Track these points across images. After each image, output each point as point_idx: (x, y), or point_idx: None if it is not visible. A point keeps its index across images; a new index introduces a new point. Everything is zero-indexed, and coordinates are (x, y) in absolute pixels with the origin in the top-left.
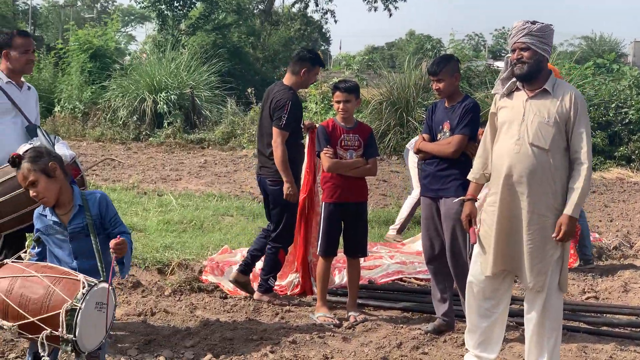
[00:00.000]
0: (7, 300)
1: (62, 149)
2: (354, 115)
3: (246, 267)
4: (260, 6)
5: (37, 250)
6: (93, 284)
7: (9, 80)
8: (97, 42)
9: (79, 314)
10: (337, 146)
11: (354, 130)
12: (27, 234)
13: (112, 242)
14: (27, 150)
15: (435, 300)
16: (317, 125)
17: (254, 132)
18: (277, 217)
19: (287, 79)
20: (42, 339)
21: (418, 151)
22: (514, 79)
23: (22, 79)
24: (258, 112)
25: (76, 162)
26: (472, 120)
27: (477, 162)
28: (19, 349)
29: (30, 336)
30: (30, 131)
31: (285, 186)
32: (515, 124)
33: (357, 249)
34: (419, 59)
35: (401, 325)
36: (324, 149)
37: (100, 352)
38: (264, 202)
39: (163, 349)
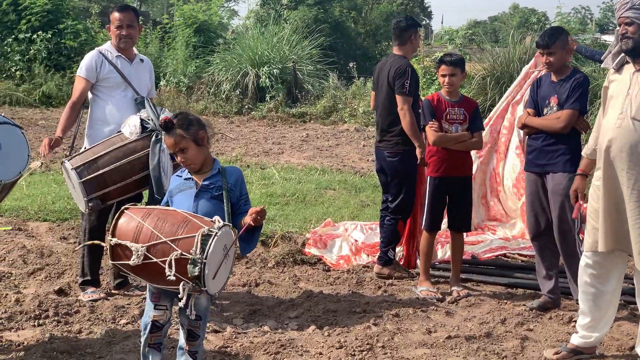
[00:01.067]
0: (142, 222)
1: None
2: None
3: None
4: None
5: None
6: (228, 225)
7: (119, 54)
8: (201, 17)
9: (215, 239)
10: (442, 120)
11: (459, 104)
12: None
13: (252, 210)
14: (177, 117)
15: (540, 277)
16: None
17: (355, 107)
18: (396, 188)
19: (397, 50)
20: (171, 261)
21: (523, 126)
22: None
23: (135, 51)
24: (359, 87)
25: None
26: (583, 95)
27: (591, 137)
28: (129, 315)
29: (155, 260)
30: (139, 103)
31: (418, 151)
32: (620, 98)
33: (461, 224)
34: (523, 33)
35: (505, 301)
36: (429, 122)
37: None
38: (380, 175)
39: (267, 319)
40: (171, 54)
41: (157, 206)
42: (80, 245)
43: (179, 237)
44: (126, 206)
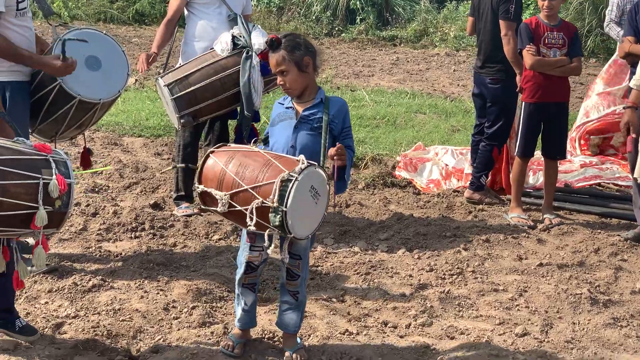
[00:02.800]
0: (225, 169)
1: (259, 37)
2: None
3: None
4: None
5: (262, 147)
6: (313, 164)
7: None
8: None
9: (294, 185)
10: (540, 44)
11: (558, 28)
12: (229, 122)
13: (331, 150)
14: (286, 37)
15: (636, 208)
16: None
17: (446, 31)
18: (495, 114)
19: None
20: (252, 209)
21: (626, 55)
22: None
23: None
24: (451, 10)
25: None
26: None
27: (638, 69)
28: (222, 231)
29: (239, 208)
30: (232, 20)
31: (518, 78)
32: None
33: (555, 151)
34: None
35: (599, 230)
36: (527, 46)
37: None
38: (477, 99)
39: (358, 240)
40: None
41: (242, 147)
42: (169, 168)
43: (259, 183)
44: (212, 149)
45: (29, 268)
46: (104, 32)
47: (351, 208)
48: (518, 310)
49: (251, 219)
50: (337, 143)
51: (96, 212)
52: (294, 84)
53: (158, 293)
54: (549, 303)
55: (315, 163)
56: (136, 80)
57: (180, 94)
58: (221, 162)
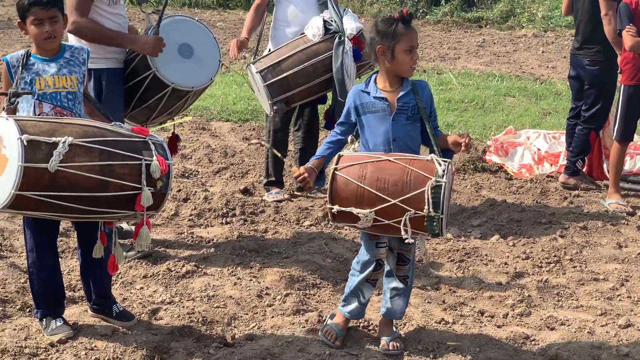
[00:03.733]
0: (363, 186)
1: (350, 22)
2: None
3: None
4: None
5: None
6: (447, 161)
7: None
8: None
9: (445, 189)
10: None
11: None
12: (319, 106)
13: (460, 140)
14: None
15: None
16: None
17: (534, 11)
18: (593, 97)
19: None
20: (405, 221)
21: None
22: None
23: None
24: None
25: (363, 34)
26: None
27: None
28: (312, 217)
29: (386, 222)
30: (322, 4)
31: (619, 59)
32: None
33: None
34: None
35: None
36: (627, 27)
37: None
38: (573, 82)
39: (450, 227)
40: None
41: (366, 156)
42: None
43: (407, 195)
44: (335, 166)
45: (125, 253)
46: (196, 19)
47: None
48: (620, 300)
49: (406, 231)
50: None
51: (187, 198)
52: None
53: (251, 280)
54: None
55: (447, 160)
56: (222, 64)
57: (272, 80)
58: (354, 179)
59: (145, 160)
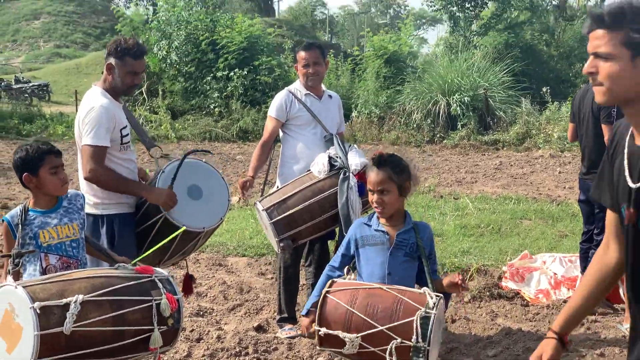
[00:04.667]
0: (352, 310)
1: (355, 157)
2: None
3: None
4: (554, 2)
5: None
6: (439, 296)
7: (308, 92)
8: (391, 48)
9: (433, 321)
10: None
11: None
12: (329, 242)
13: (455, 281)
14: (392, 157)
15: None
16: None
17: (550, 132)
18: (603, 221)
19: None
20: (391, 350)
21: None
22: None
23: (323, 87)
24: (554, 111)
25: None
26: None
27: None
28: (326, 352)
29: (372, 349)
30: (328, 141)
31: None
32: None
33: None
34: None
35: None
36: None
37: None
38: (584, 206)
39: (465, 358)
40: (362, 85)
41: (356, 283)
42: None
43: (395, 323)
44: (327, 289)
45: None
46: (203, 160)
47: (457, 323)
48: None
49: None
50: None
51: (200, 338)
52: (390, 205)
53: None
54: None
55: (439, 295)
56: (240, 199)
57: (278, 217)
58: (344, 303)
59: (155, 300)
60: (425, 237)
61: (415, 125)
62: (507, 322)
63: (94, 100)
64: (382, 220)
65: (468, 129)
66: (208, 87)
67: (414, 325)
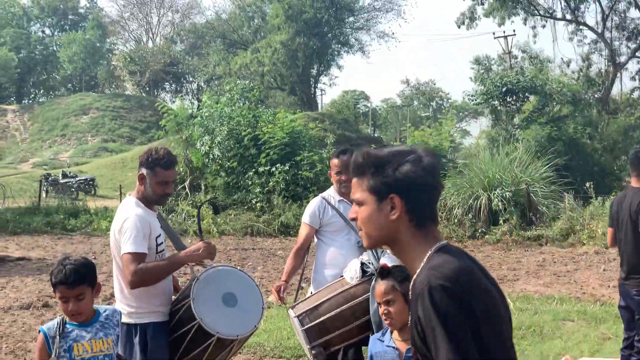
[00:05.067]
0: None
1: (387, 262)
2: None
3: None
4: (596, 95)
5: None
6: None
7: (341, 198)
8: (432, 142)
9: None
10: None
11: None
12: (363, 348)
13: None
14: (397, 267)
15: None
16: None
17: (594, 228)
18: None
19: (637, 182)
20: None
21: None
22: None
23: None
24: (597, 207)
25: None
26: None
27: None
28: None
29: None
30: (361, 247)
31: None
32: None
33: None
34: None
35: None
36: None
37: None
38: (624, 312)
39: None
40: None
41: None
42: None
43: None
44: None
45: None
46: (238, 267)
47: None
48: None
49: None
50: None
51: None
52: (398, 316)
53: None
54: None
55: None
56: (283, 301)
57: (310, 324)
58: None
59: None
60: None
61: (456, 220)
62: None
63: (129, 210)
64: (395, 335)
65: (510, 225)
66: (250, 182)
67: None
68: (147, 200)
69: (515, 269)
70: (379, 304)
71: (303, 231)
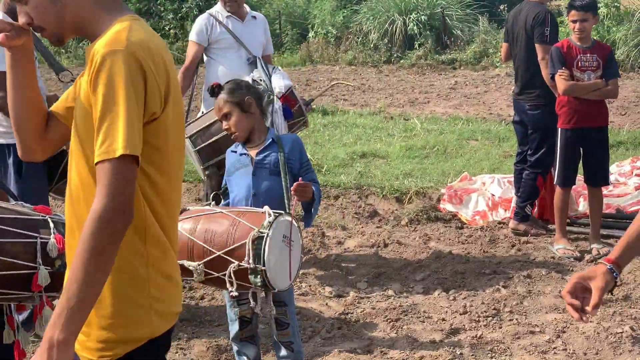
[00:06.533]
0: (192, 238)
1: (279, 80)
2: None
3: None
4: None
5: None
6: (278, 214)
7: (230, 14)
8: None
9: (267, 241)
10: (573, 68)
11: (591, 50)
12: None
13: (294, 185)
14: (227, 82)
15: None
16: None
17: None
18: (537, 142)
19: None
20: (230, 274)
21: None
22: None
23: (247, 9)
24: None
25: (293, 92)
26: None
27: None
28: None
29: (216, 275)
30: (251, 64)
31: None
32: None
33: (597, 178)
34: None
35: None
36: (559, 70)
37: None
38: (518, 127)
39: (393, 283)
40: (319, 5)
41: (204, 209)
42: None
43: (231, 247)
44: None
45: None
46: None
47: (389, 247)
48: (555, 354)
49: (231, 284)
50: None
51: None
52: (238, 126)
53: (177, 352)
54: (587, 344)
55: (281, 212)
56: None
57: (202, 145)
58: (186, 232)
59: (42, 238)
60: (288, 148)
61: (372, 45)
62: (439, 246)
63: None
64: (247, 143)
65: (425, 49)
66: (162, 8)
67: (247, 247)
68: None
69: (427, 92)
70: (220, 120)
71: (191, 50)
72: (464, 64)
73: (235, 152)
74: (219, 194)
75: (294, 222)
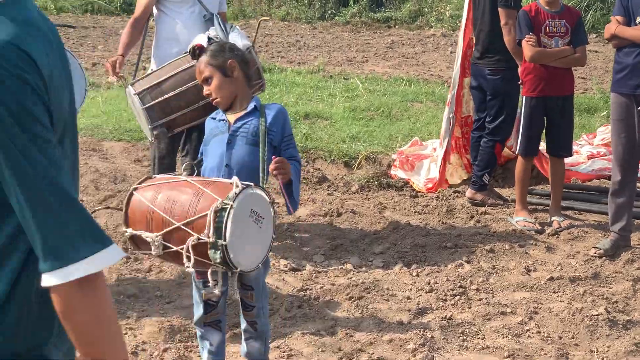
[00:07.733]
0: (152, 207)
1: (237, 39)
2: None
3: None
4: None
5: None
6: (247, 185)
7: None
8: None
9: (230, 213)
10: (541, 33)
11: (560, 15)
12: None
13: (271, 165)
14: (210, 43)
15: None
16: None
17: (442, 10)
18: (497, 108)
19: None
20: (188, 248)
21: (612, 37)
22: None
23: None
24: None
25: (252, 52)
26: None
27: None
28: None
29: (175, 248)
30: (207, 21)
31: (520, 70)
32: None
33: (561, 148)
34: None
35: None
36: (526, 36)
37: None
38: (476, 92)
39: (350, 255)
40: None
41: (169, 177)
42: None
43: (192, 218)
44: (135, 186)
45: None
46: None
47: (343, 217)
48: (529, 337)
49: (189, 259)
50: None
51: None
52: (220, 91)
53: (126, 333)
54: (562, 327)
55: (251, 183)
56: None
57: (152, 103)
58: (147, 200)
59: None
60: (271, 118)
61: (306, 1)
62: (395, 215)
63: None
64: (229, 113)
65: (360, 6)
66: None
67: (208, 219)
68: None
69: (364, 50)
70: (202, 84)
71: (142, 0)
72: (399, 22)
73: (215, 118)
74: (193, 165)
75: (265, 196)
